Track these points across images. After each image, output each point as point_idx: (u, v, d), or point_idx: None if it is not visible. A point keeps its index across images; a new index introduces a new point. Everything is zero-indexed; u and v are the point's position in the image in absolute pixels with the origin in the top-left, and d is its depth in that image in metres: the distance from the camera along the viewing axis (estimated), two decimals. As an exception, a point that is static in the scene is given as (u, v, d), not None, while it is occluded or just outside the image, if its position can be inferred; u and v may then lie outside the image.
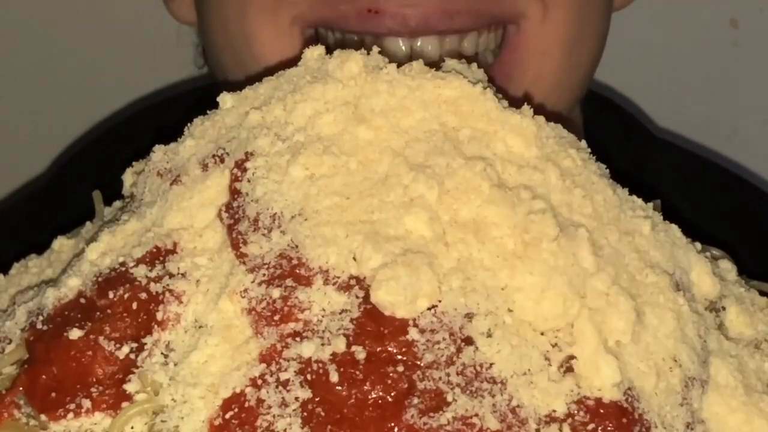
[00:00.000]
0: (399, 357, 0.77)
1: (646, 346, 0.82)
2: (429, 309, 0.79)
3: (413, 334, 0.78)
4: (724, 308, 0.91)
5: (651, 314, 0.83)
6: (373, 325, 0.78)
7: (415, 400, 0.76)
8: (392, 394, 0.76)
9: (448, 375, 0.77)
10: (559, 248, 0.81)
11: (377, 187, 0.83)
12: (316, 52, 0.92)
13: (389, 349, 0.78)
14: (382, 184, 0.83)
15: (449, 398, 0.76)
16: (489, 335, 0.79)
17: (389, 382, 0.76)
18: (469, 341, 0.78)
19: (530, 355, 0.79)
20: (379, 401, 0.76)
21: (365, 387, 0.76)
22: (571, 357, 0.79)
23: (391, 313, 0.79)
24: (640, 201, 0.91)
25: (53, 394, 0.82)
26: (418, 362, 0.77)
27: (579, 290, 0.80)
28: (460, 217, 0.82)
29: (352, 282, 0.80)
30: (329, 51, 0.91)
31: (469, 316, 0.79)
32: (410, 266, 0.79)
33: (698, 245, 0.93)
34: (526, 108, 0.89)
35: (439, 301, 0.79)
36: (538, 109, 0.90)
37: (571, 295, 0.80)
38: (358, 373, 0.76)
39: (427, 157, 0.84)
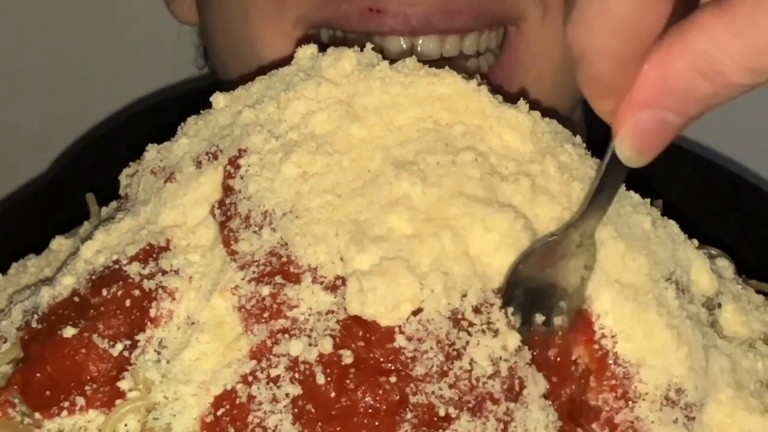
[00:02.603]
0: (388, 366, 0.77)
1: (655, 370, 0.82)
2: (414, 315, 0.78)
3: (400, 341, 0.78)
4: (720, 305, 0.91)
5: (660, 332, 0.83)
6: (360, 329, 0.78)
7: (409, 415, 0.76)
8: (383, 405, 0.76)
9: (440, 389, 0.76)
10: None
11: (367, 187, 0.83)
12: (308, 51, 0.92)
13: (376, 356, 0.77)
14: (371, 183, 0.83)
15: (441, 412, 0.76)
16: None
17: (381, 392, 0.76)
18: (459, 353, 0.78)
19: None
20: (370, 410, 0.76)
21: (356, 396, 0.76)
22: None
23: (375, 321, 0.78)
24: (637, 196, 0.91)
25: (47, 392, 0.82)
26: (410, 373, 0.77)
27: None
28: (444, 211, 0.82)
29: (338, 282, 0.80)
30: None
31: (455, 312, 0.78)
32: (386, 275, 0.78)
33: (695, 242, 0.93)
34: (522, 103, 0.89)
35: (422, 306, 0.79)
36: (534, 105, 0.90)
37: None
38: (348, 382, 0.76)
39: (417, 155, 0.84)
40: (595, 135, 1.37)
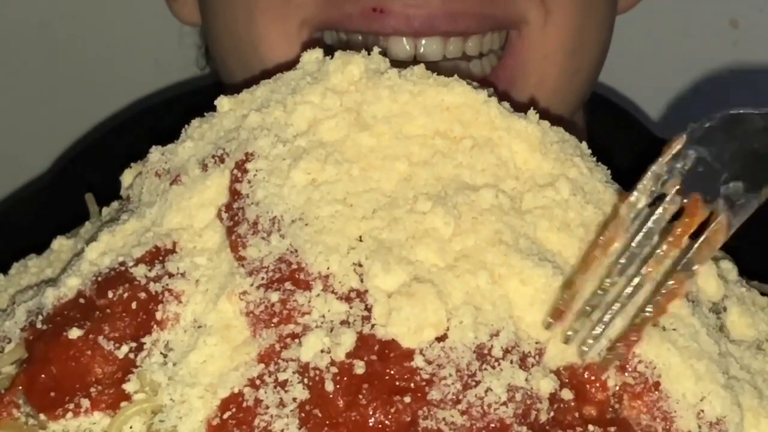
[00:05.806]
0: (402, 384, 0.77)
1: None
2: (438, 341, 0.78)
3: (418, 361, 0.77)
4: (725, 309, 0.91)
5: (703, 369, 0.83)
6: (377, 342, 0.78)
7: None
8: (393, 425, 0.76)
9: (452, 416, 0.76)
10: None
11: (389, 208, 0.82)
12: (314, 55, 0.92)
13: (392, 373, 0.77)
14: (392, 204, 0.83)
15: None
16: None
17: (393, 410, 0.76)
18: (477, 383, 0.77)
19: None
20: (379, 426, 0.76)
21: (367, 411, 0.76)
22: None
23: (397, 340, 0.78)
24: None
25: (52, 394, 0.82)
26: (424, 396, 0.76)
27: None
28: (471, 249, 0.81)
29: (353, 294, 0.79)
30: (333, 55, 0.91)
31: (481, 347, 0.78)
32: (414, 297, 0.78)
33: (699, 245, 0.93)
34: (532, 112, 0.89)
35: (447, 335, 0.78)
36: (542, 113, 0.90)
37: None
38: (361, 397, 0.76)
39: (435, 173, 0.84)
40: (596, 137, 1.38)
